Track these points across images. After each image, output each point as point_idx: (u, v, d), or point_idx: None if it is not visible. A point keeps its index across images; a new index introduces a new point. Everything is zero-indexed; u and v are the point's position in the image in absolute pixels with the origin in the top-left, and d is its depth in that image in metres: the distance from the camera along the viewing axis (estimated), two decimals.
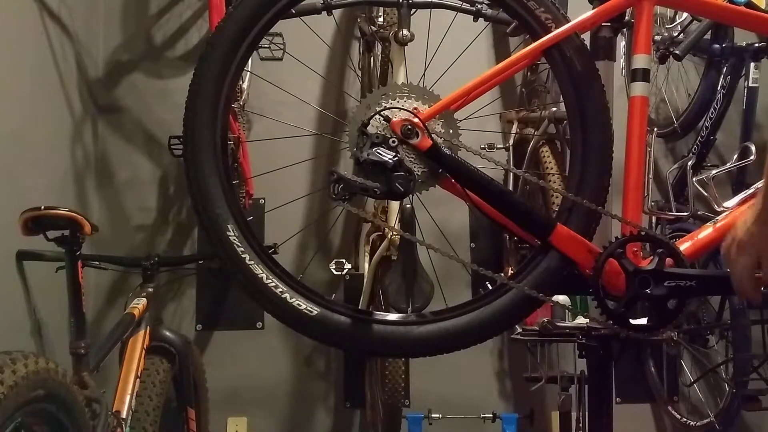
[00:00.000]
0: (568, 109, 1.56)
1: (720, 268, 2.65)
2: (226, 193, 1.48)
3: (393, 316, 1.54)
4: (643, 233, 1.51)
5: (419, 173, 1.45)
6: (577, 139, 1.53)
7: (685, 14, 2.60)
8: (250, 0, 1.52)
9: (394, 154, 1.39)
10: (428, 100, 1.48)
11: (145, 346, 2.26)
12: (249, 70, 2.93)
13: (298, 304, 1.45)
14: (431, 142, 1.43)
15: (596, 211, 1.50)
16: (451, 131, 1.48)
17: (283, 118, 3.20)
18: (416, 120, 1.43)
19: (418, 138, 1.43)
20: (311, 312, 1.45)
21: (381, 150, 1.39)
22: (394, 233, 2.35)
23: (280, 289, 1.45)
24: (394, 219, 2.34)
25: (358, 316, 1.49)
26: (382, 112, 1.44)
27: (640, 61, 1.57)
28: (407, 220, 2.31)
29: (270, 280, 1.45)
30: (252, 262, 1.45)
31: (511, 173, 2.89)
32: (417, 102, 1.47)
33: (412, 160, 1.44)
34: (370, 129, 1.43)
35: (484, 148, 2.82)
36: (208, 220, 1.47)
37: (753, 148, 2.27)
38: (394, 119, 1.43)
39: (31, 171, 2.46)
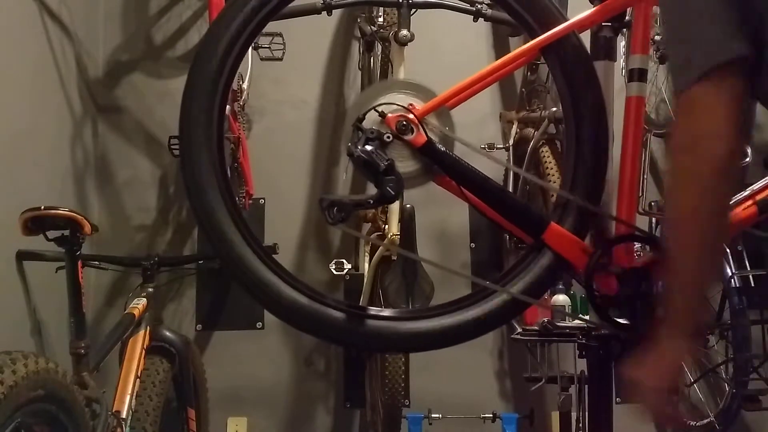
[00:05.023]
0: (563, 108, 1.56)
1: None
2: (221, 188, 1.47)
3: (388, 312, 1.55)
4: (636, 233, 1.51)
5: (412, 169, 1.45)
6: (572, 138, 1.53)
7: None
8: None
9: (386, 158, 1.39)
10: (424, 97, 1.48)
11: (145, 346, 2.26)
12: (249, 69, 2.94)
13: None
14: (426, 138, 1.43)
15: (590, 210, 1.50)
16: (447, 128, 1.48)
17: (284, 118, 3.21)
18: (411, 116, 1.43)
19: (412, 134, 1.43)
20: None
21: (374, 154, 1.39)
22: (394, 235, 2.34)
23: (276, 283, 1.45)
24: (394, 220, 2.33)
25: (350, 310, 1.49)
26: (377, 108, 1.44)
27: (637, 61, 1.57)
28: (407, 221, 2.31)
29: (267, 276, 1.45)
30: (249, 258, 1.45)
31: (511, 173, 2.90)
32: (413, 98, 1.47)
33: (406, 156, 1.44)
34: (366, 124, 1.43)
35: (484, 148, 2.82)
36: (203, 213, 1.47)
37: (749, 149, 2.28)
38: (390, 115, 1.43)
39: (31, 171, 2.46)
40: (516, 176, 2.88)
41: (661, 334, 1.24)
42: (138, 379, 2.16)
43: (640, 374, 1.25)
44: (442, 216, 3.03)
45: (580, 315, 2.37)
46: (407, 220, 2.31)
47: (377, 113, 1.43)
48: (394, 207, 2.33)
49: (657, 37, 2.64)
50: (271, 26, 2.65)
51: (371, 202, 1.40)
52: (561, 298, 2.38)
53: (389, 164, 1.38)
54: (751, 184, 1.51)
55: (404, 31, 2.35)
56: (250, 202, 2.94)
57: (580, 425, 2.34)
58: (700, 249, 1.19)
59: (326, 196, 1.39)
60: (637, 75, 1.57)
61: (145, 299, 2.33)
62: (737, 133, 1.13)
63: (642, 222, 2.64)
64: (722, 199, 1.19)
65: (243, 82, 2.89)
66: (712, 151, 1.12)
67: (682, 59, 1.17)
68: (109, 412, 1.93)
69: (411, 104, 1.45)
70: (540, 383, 2.63)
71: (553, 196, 2.46)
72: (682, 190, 1.17)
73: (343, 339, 1.65)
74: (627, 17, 1.74)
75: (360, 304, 2.48)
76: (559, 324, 2.22)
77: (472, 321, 1.48)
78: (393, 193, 1.39)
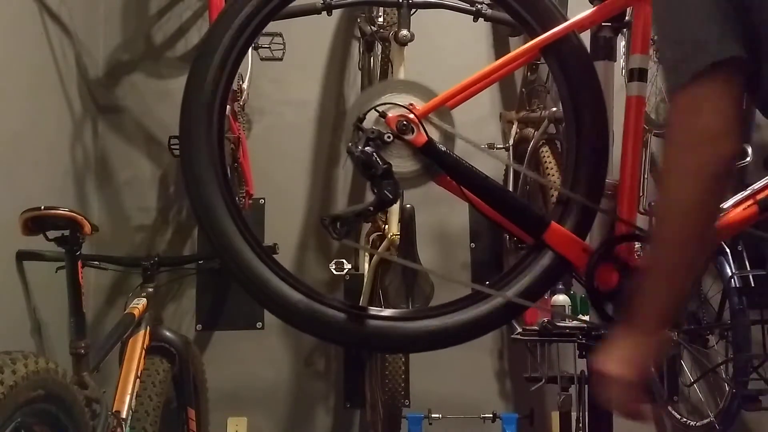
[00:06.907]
0: (563, 108, 1.56)
1: (719, 269, 2.66)
2: (221, 187, 1.47)
3: (388, 312, 1.55)
4: (637, 232, 1.52)
5: (413, 169, 1.45)
6: (573, 139, 1.53)
7: None
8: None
9: (384, 162, 1.39)
10: (425, 97, 1.48)
11: (145, 346, 2.26)
12: (249, 69, 2.94)
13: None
14: (426, 138, 1.43)
15: (591, 209, 1.50)
16: (447, 127, 1.48)
17: (284, 118, 3.21)
18: (412, 116, 1.43)
19: (413, 134, 1.43)
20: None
21: (374, 156, 1.39)
22: (394, 235, 2.34)
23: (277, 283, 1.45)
24: (394, 220, 2.34)
25: (350, 310, 1.49)
26: (378, 107, 1.44)
27: (637, 60, 1.58)
28: (407, 221, 2.31)
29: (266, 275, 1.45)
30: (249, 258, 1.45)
31: (511, 173, 2.90)
32: (413, 98, 1.47)
33: (407, 156, 1.44)
34: (366, 124, 1.43)
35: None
36: (203, 212, 1.47)
37: (749, 149, 2.28)
38: (390, 115, 1.43)
39: (31, 171, 2.46)
40: (516, 176, 2.89)
41: (634, 326, 1.22)
42: (138, 379, 2.15)
43: (609, 366, 1.22)
44: (442, 216, 3.03)
45: (580, 315, 2.38)
46: (407, 220, 2.32)
47: (378, 113, 1.43)
48: (394, 207, 2.33)
49: (657, 37, 2.64)
50: (271, 26, 2.66)
51: (371, 209, 1.41)
52: (561, 298, 2.38)
53: (387, 168, 1.38)
54: (751, 184, 1.51)
55: (404, 31, 2.35)
56: (250, 202, 2.94)
57: (580, 425, 2.34)
58: (690, 247, 1.18)
59: (327, 214, 1.39)
60: (637, 75, 1.57)
61: (145, 299, 2.33)
62: (739, 133, 1.12)
63: (642, 221, 2.65)
64: (719, 198, 1.19)
65: (243, 82, 2.89)
66: (716, 150, 1.10)
67: (678, 57, 1.16)
68: (109, 412, 1.93)
69: (411, 104, 1.45)
70: (540, 383, 2.63)
71: (553, 196, 2.46)
72: (682, 189, 1.15)
73: (344, 339, 1.65)
74: (627, 17, 1.74)
75: (360, 304, 2.48)
76: (559, 324, 2.23)
77: (474, 321, 1.49)
78: (391, 197, 1.39)
